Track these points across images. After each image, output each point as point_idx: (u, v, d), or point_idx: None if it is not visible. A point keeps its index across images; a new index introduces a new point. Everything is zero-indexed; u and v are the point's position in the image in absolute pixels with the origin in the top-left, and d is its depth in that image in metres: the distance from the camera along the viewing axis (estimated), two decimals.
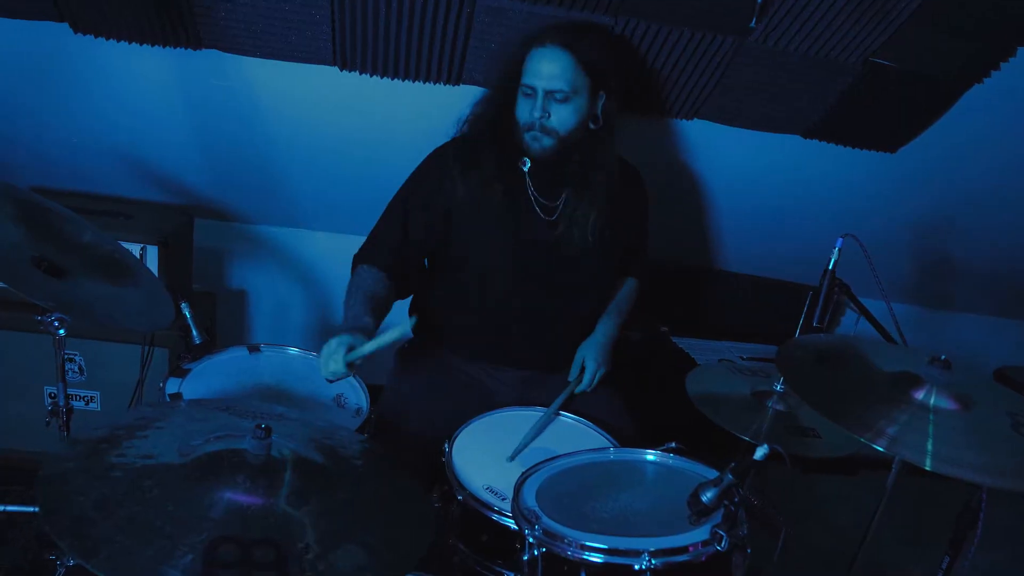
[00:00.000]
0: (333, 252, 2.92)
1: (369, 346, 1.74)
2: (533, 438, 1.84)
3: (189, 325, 1.89)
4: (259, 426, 1.31)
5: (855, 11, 1.93)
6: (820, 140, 2.41)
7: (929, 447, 1.13)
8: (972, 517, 1.49)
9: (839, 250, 1.88)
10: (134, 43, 2.07)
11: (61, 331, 1.60)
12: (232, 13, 1.98)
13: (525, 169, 1.97)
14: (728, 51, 2.08)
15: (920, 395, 1.23)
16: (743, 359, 2.63)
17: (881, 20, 1.96)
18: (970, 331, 3.45)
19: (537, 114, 1.89)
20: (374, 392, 1.97)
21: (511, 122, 1.95)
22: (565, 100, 1.89)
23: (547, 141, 1.92)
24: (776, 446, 1.17)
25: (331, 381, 1.81)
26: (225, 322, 2.93)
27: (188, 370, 1.88)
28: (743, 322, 2.99)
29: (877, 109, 2.27)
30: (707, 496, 1.26)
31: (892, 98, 2.22)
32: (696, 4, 1.96)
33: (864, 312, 1.87)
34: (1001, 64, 2.12)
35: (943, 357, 1.23)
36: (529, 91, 1.90)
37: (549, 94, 1.88)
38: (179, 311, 1.86)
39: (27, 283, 1.51)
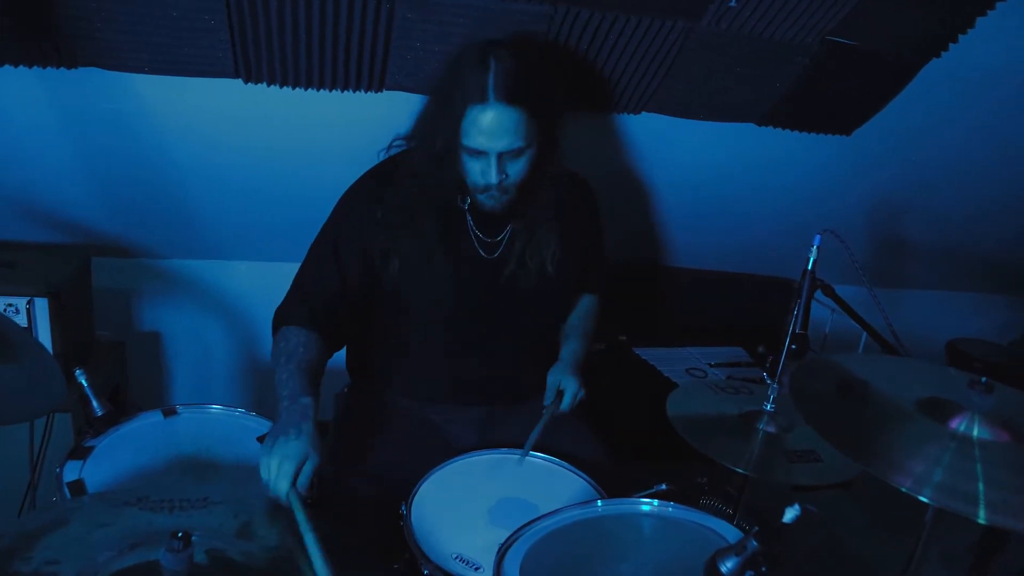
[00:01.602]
0: (255, 283, 2.66)
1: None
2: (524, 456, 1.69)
3: (88, 396, 1.60)
4: (175, 535, 1.06)
5: None
6: (775, 127, 2.27)
7: (981, 491, 0.95)
8: (997, 539, 1.34)
9: (818, 248, 1.71)
10: None
11: None
12: (110, 24, 1.68)
13: (465, 207, 1.76)
14: (678, 37, 1.90)
15: (959, 425, 1.05)
16: (712, 365, 2.49)
17: None
18: (920, 306, 3.42)
19: (495, 179, 1.64)
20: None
21: (452, 172, 1.70)
22: (519, 154, 1.64)
23: (505, 198, 1.69)
24: (809, 506, 0.99)
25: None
26: (138, 373, 2.61)
27: (91, 448, 1.59)
28: (703, 320, 2.85)
29: (833, 91, 2.14)
30: (727, 566, 1.06)
31: (849, 78, 2.09)
32: None
33: (851, 312, 1.73)
34: (960, 36, 2.00)
35: (984, 380, 1.05)
36: (476, 154, 1.64)
37: (503, 155, 1.63)
38: (73, 380, 1.57)
39: None
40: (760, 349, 2.48)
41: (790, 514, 1.02)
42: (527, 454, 1.72)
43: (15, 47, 1.73)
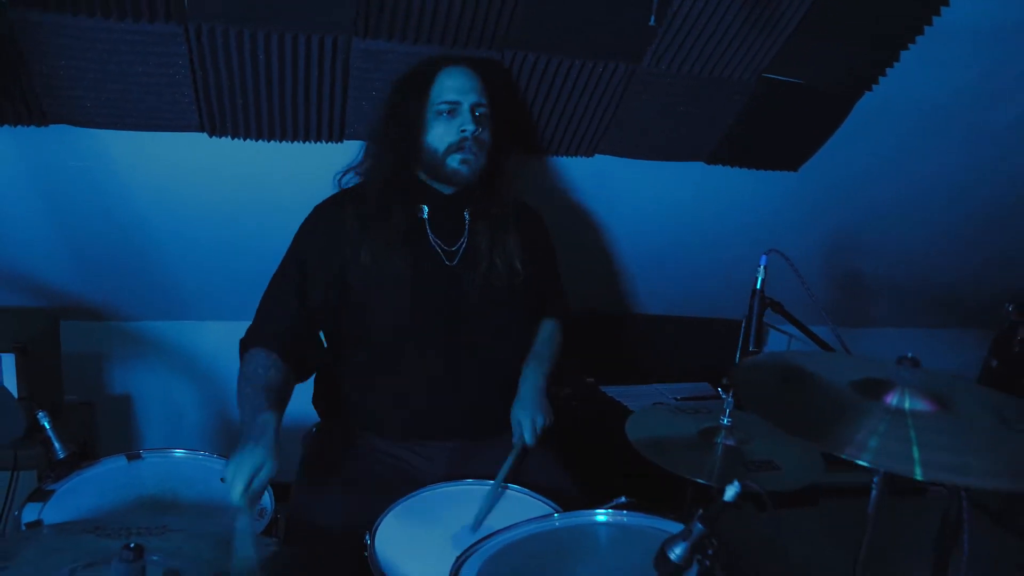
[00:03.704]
0: (226, 343, 2.64)
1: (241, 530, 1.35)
2: (488, 510, 1.63)
3: (50, 438, 1.60)
4: (127, 546, 1.06)
5: (743, 26, 1.90)
6: (724, 165, 2.36)
7: (915, 454, 0.99)
8: (955, 527, 1.36)
9: (764, 268, 1.78)
10: None
11: None
12: (78, 81, 1.76)
13: (424, 217, 1.81)
14: (622, 79, 2.01)
15: (892, 399, 1.10)
16: (678, 400, 2.52)
17: (769, 34, 1.93)
18: (889, 345, 3.46)
19: (471, 127, 1.76)
20: (281, 492, 1.71)
21: (415, 161, 1.80)
22: (486, 118, 1.80)
23: (480, 160, 1.80)
24: (749, 483, 1.01)
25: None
26: (108, 434, 2.59)
27: (51, 492, 1.58)
28: (670, 364, 2.88)
29: (776, 126, 2.24)
30: (676, 553, 1.07)
31: (789, 114, 2.20)
32: (583, 33, 1.88)
33: (801, 328, 1.78)
34: (887, 70, 2.13)
35: (910, 355, 1.11)
36: (449, 107, 1.77)
37: (475, 107, 1.78)
38: (36, 422, 1.58)
39: None
40: (724, 381, 2.51)
41: (730, 491, 1.04)
42: (496, 490, 1.71)
43: None
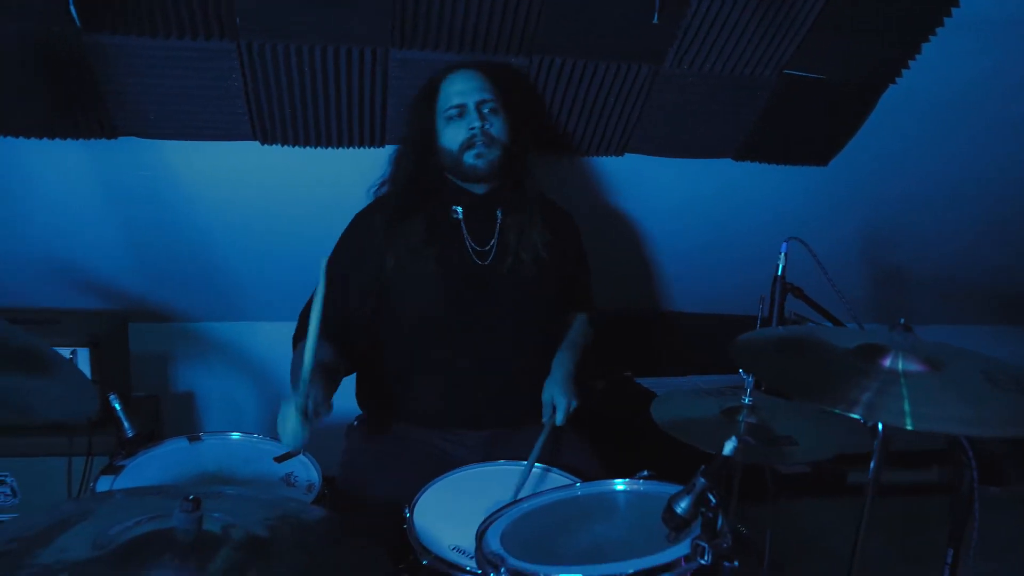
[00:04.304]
0: (281, 342, 2.82)
1: (306, 363, 1.56)
2: (523, 483, 1.72)
3: (120, 418, 1.76)
4: (187, 498, 1.19)
5: (761, 24, 1.97)
6: (752, 161, 2.42)
7: (907, 408, 1.07)
8: (967, 504, 1.41)
9: (785, 255, 1.84)
10: (45, 138, 2.01)
11: None
12: (142, 96, 1.94)
13: (459, 217, 1.92)
14: (645, 79, 2.09)
15: (887, 362, 1.17)
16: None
17: (788, 30, 2.00)
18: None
19: (477, 123, 1.87)
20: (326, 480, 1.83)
21: (438, 165, 1.92)
22: (495, 112, 1.90)
23: (494, 152, 1.89)
24: (746, 437, 1.09)
25: (293, 453, 1.71)
26: (173, 427, 2.77)
27: (122, 467, 1.74)
28: (704, 359, 2.92)
29: (801, 122, 2.30)
30: (681, 507, 1.15)
31: (814, 109, 2.25)
32: (606, 35, 1.98)
33: (824, 313, 1.83)
34: (910, 63, 2.16)
35: (902, 321, 1.18)
36: (457, 111, 1.89)
37: (480, 105, 1.88)
38: (107, 404, 1.74)
39: None
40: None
41: (728, 446, 1.12)
42: (531, 468, 1.81)
43: (64, 121, 1.99)
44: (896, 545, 2.09)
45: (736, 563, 1.17)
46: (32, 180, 2.17)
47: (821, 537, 2.04)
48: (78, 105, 1.94)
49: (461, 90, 1.89)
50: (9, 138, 2.02)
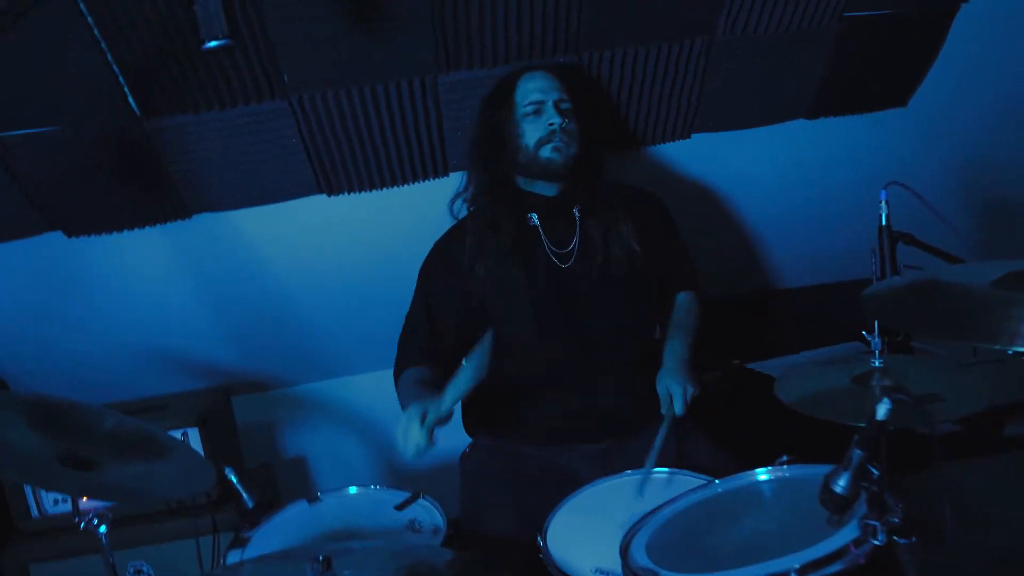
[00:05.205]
0: (382, 390, 2.81)
1: (447, 397, 1.62)
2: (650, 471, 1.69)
3: (238, 490, 1.76)
4: (317, 559, 1.15)
5: None
6: (827, 116, 2.30)
7: None
8: None
9: (886, 202, 1.71)
10: (124, 230, 2.06)
11: (102, 528, 1.48)
12: (207, 170, 1.97)
13: (535, 223, 1.89)
14: (700, 53, 2.01)
15: None
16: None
17: None
18: None
19: (557, 119, 1.86)
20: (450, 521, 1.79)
21: (508, 174, 1.90)
22: (570, 112, 1.89)
23: (571, 148, 1.88)
24: (900, 395, 0.98)
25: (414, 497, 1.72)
26: (289, 492, 2.78)
27: (247, 539, 1.73)
28: (816, 333, 2.77)
29: (872, 65, 2.17)
30: (840, 485, 1.05)
31: (883, 48, 2.12)
32: (651, 17, 1.91)
33: (941, 254, 1.69)
34: None
35: None
36: (534, 107, 1.88)
37: (558, 103, 1.88)
38: (224, 478, 1.74)
39: (59, 481, 1.43)
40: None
41: (882, 409, 1.01)
42: (653, 466, 1.72)
43: (142, 210, 2.03)
44: None
45: (914, 539, 1.06)
46: (125, 273, 2.22)
47: (990, 502, 1.86)
48: (153, 191, 1.99)
49: (540, 87, 1.88)
50: (103, 235, 2.07)
